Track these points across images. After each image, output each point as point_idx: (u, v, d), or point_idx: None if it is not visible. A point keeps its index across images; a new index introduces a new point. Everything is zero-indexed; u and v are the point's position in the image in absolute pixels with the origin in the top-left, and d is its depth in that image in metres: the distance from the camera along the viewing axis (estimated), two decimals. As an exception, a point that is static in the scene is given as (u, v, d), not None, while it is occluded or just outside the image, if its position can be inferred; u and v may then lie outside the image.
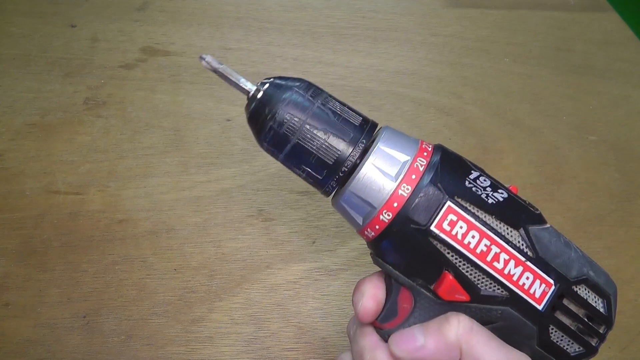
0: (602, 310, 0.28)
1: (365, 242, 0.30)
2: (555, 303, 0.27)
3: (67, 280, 0.46)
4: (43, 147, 0.56)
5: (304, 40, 0.72)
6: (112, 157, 0.56)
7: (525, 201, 0.29)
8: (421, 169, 0.27)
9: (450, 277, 0.27)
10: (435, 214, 0.27)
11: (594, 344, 0.28)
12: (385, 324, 0.30)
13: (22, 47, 0.67)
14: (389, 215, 0.27)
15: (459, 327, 0.26)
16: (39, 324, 0.44)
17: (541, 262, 0.27)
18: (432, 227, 0.27)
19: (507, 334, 0.27)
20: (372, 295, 0.30)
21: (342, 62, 0.70)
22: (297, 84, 0.30)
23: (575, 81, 0.71)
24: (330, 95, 0.30)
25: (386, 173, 0.27)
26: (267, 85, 0.30)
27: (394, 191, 0.27)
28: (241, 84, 0.30)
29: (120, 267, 0.48)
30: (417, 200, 0.27)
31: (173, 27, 0.72)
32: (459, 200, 0.27)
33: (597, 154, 0.62)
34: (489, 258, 0.27)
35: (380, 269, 0.30)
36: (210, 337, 0.44)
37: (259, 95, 0.29)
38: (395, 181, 0.27)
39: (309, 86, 0.30)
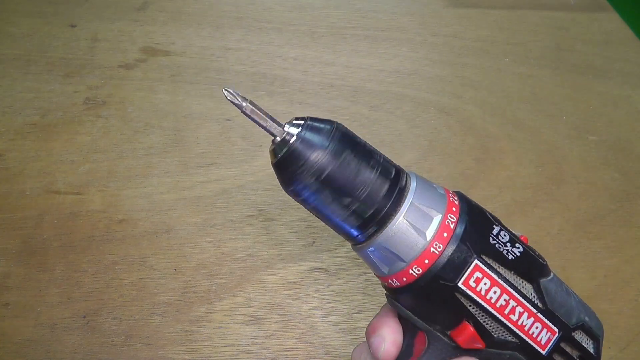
0: (592, 351, 0.30)
1: (383, 286, 0.31)
2: (557, 348, 0.29)
3: (67, 280, 0.46)
4: (43, 147, 0.56)
5: (304, 40, 0.72)
6: (112, 157, 0.56)
7: (534, 252, 0.30)
8: (452, 226, 0.28)
9: (471, 328, 0.28)
10: (464, 272, 0.27)
11: None
12: None
13: (22, 47, 0.67)
14: (418, 270, 0.28)
15: None
16: (39, 324, 0.44)
17: (549, 313, 0.29)
18: (460, 284, 0.27)
19: None
20: (394, 341, 0.31)
21: (342, 62, 0.70)
22: (330, 129, 0.28)
23: (575, 81, 0.71)
24: (364, 145, 0.29)
25: (419, 230, 0.27)
26: (298, 129, 0.27)
27: (426, 248, 0.27)
28: (269, 127, 0.28)
29: (120, 267, 0.48)
30: (447, 258, 0.27)
31: (173, 27, 0.72)
32: (485, 257, 0.28)
33: (597, 154, 0.62)
34: (506, 311, 0.28)
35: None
36: (210, 337, 0.44)
37: (292, 140, 0.27)
38: (428, 239, 0.27)
39: (343, 134, 0.28)
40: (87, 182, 0.54)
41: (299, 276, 0.48)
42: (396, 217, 0.28)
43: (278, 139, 0.28)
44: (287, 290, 0.48)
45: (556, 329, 0.29)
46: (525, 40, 0.76)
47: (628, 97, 0.70)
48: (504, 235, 0.29)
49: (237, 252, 0.50)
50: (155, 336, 0.44)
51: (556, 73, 0.72)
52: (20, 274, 0.47)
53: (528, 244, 0.31)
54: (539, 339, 0.29)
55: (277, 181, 0.29)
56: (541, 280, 0.29)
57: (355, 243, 0.30)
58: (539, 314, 0.29)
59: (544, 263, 0.30)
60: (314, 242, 0.51)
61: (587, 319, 0.30)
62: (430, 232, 0.28)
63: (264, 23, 0.74)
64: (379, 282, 0.31)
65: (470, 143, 0.62)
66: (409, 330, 0.31)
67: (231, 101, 0.28)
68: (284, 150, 0.27)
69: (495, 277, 0.28)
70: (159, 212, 0.52)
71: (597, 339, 0.31)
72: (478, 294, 0.28)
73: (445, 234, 0.28)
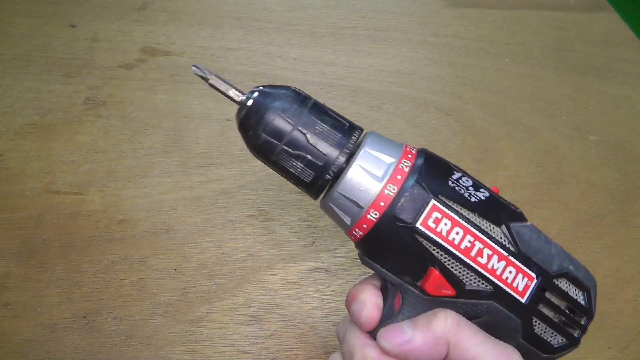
0: (582, 302, 0.29)
1: (354, 244, 0.31)
2: (538, 296, 0.28)
3: (67, 280, 0.46)
4: (43, 147, 0.56)
5: (304, 40, 0.72)
6: (112, 157, 0.56)
7: (506, 200, 0.30)
8: (406, 169, 0.29)
9: (437, 272, 0.28)
10: (421, 212, 0.28)
11: (576, 335, 0.30)
12: (384, 324, 0.30)
13: (22, 47, 0.67)
14: (376, 214, 0.28)
15: (446, 322, 0.27)
16: (39, 324, 0.44)
17: (523, 257, 0.28)
18: (418, 225, 0.28)
19: (492, 328, 0.28)
20: (374, 304, 0.31)
21: (342, 62, 0.70)
22: (286, 91, 0.30)
23: (575, 81, 0.71)
24: (318, 102, 0.31)
25: (373, 174, 0.29)
26: (256, 93, 0.30)
27: (381, 191, 0.28)
28: (231, 94, 0.31)
29: (120, 267, 0.48)
30: (402, 199, 0.28)
31: (173, 27, 0.72)
32: (443, 198, 0.28)
33: (597, 154, 0.62)
34: (472, 253, 0.28)
35: (369, 273, 0.31)
36: (210, 337, 0.44)
37: (249, 103, 0.30)
38: (382, 182, 0.28)
39: (297, 94, 0.30)
40: (87, 182, 0.54)
41: (299, 276, 0.49)
42: (351, 163, 0.29)
43: (241, 103, 0.31)
44: (287, 290, 0.48)
45: (533, 275, 0.28)
46: (525, 40, 0.76)
47: (628, 97, 0.70)
48: (466, 180, 0.30)
49: (237, 252, 0.50)
50: (155, 336, 0.44)
51: (556, 73, 0.72)
52: (20, 274, 0.47)
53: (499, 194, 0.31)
54: (514, 284, 0.28)
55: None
56: (512, 224, 0.29)
57: (316, 196, 0.31)
58: (511, 257, 0.28)
59: (517, 210, 0.30)
60: (314, 242, 0.51)
61: (571, 267, 0.29)
62: (384, 176, 0.28)
63: (264, 23, 0.74)
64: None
65: (470, 143, 0.62)
66: (388, 292, 0.31)
67: (198, 75, 0.31)
68: (243, 112, 0.30)
69: (456, 217, 0.28)
70: (159, 212, 0.52)
71: (586, 289, 0.30)
72: (439, 234, 0.28)
73: (399, 177, 0.28)
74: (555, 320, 0.29)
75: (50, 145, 0.57)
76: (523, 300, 0.28)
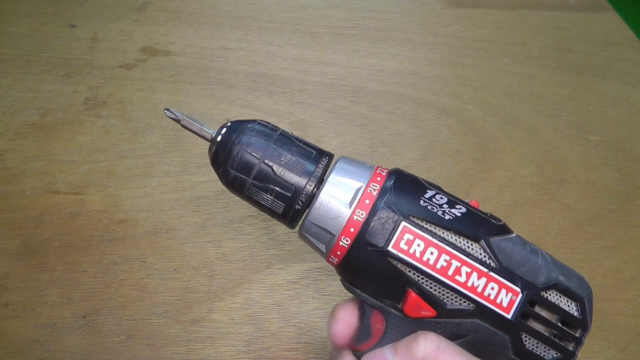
0: (575, 314, 0.28)
1: (334, 269, 0.31)
2: (525, 311, 0.27)
3: (67, 280, 0.46)
4: (43, 147, 0.56)
5: (304, 40, 0.72)
6: (112, 157, 0.56)
7: (486, 214, 0.30)
8: (374, 193, 0.29)
9: (414, 294, 0.28)
10: (392, 234, 0.28)
11: (571, 349, 0.28)
12: (360, 345, 0.31)
13: (22, 47, 0.67)
14: (347, 240, 0.28)
15: (426, 346, 0.27)
16: (39, 324, 0.44)
17: (505, 272, 0.27)
18: (390, 248, 0.28)
19: (480, 346, 0.28)
20: (344, 319, 0.31)
21: (342, 62, 0.70)
22: (251, 125, 0.31)
23: (575, 81, 0.71)
24: (285, 133, 0.31)
25: (341, 200, 0.29)
26: (224, 129, 0.31)
27: (350, 217, 0.28)
28: (201, 132, 0.32)
29: (120, 267, 0.48)
30: (372, 223, 0.28)
31: (173, 27, 0.72)
32: (415, 219, 0.28)
33: (597, 154, 0.62)
34: (450, 272, 0.27)
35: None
36: (210, 337, 0.44)
37: (218, 139, 0.31)
38: (350, 207, 0.28)
39: (263, 126, 0.31)
40: (87, 182, 0.54)
41: (299, 276, 0.49)
42: (319, 192, 0.29)
43: (211, 139, 0.32)
44: (287, 290, 0.48)
45: (518, 289, 0.27)
46: (525, 40, 0.76)
47: (628, 97, 0.70)
48: (440, 197, 0.29)
49: (237, 252, 0.50)
50: (155, 336, 0.44)
51: (556, 73, 0.72)
52: (20, 274, 0.47)
53: (479, 208, 0.30)
54: (498, 300, 0.27)
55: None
56: (492, 239, 0.28)
57: (291, 226, 0.31)
58: (492, 273, 0.27)
59: (499, 223, 0.29)
60: (314, 242, 0.51)
61: (562, 278, 0.28)
62: (352, 201, 0.29)
63: (264, 23, 0.74)
64: None
65: (470, 143, 0.62)
66: (366, 311, 0.31)
67: (171, 118, 0.32)
68: (213, 149, 0.31)
69: (430, 237, 0.27)
70: (159, 212, 0.52)
71: (579, 300, 0.29)
72: (412, 256, 0.27)
73: (367, 201, 0.28)
74: (546, 334, 0.28)
75: (50, 145, 0.57)
76: (509, 316, 0.27)
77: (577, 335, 0.28)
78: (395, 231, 0.27)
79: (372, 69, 0.69)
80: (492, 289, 0.27)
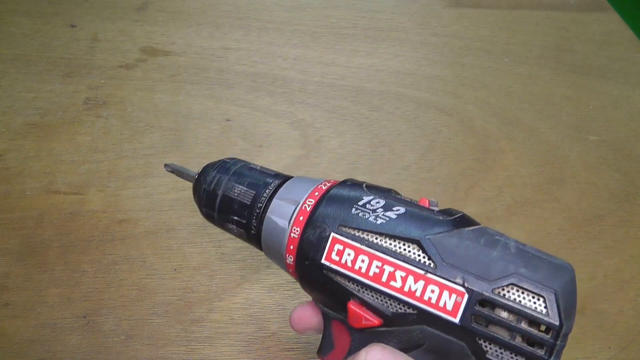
0: (543, 311, 0.23)
1: None
2: (477, 313, 0.24)
3: (67, 280, 0.46)
4: (43, 147, 0.56)
5: (304, 40, 0.72)
6: (112, 157, 0.56)
7: (433, 211, 0.28)
8: (308, 209, 0.29)
9: (352, 305, 0.28)
10: (323, 247, 0.28)
11: (541, 354, 0.23)
12: (325, 356, 0.31)
13: (22, 47, 0.67)
14: (290, 257, 0.30)
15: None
16: (39, 324, 0.44)
17: (447, 271, 0.25)
18: (323, 260, 0.28)
19: (440, 355, 0.25)
20: (305, 309, 0.33)
21: (342, 62, 0.70)
22: (214, 164, 0.36)
23: (575, 81, 0.71)
24: (245, 165, 0.35)
25: (281, 220, 0.30)
26: (198, 173, 0.36)
27: (288, 235, 0.30)
28: (189, 174, 0.38)
29: (120, 267, 0.48)
30: (305, 239, 0.29)
31: (173, 27, 0.72)
32: (344, 229, 0.28)
33: (597, 154, 0.62)
34: (384, 279, 0.26)
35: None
36: (210, 337, 0.44)
37: (193, 182, 0.36)
38: (288, 226, 0.30)
39: (223, 163, 0.35)
40: (87, 182, 0.54)
41: (299, 276, 0.49)
42: (266, 215, 0.31)
43: (194, 178, 0.36)
44: (287, 290, 0.48)
45: (462, 289, 0.24)
46: (525, 40, 0.76)
47: (628, 97, 0.70)
48: (377, 202, 0.28)
49: (237, 252, 0.50)
50: (155, 336, 0.44)
51: (556, 73, 0.72)
52: (20, 274, 0.47)
53: (429, 206, 0.28)
54: (441, 304, 0.24)
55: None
56: (431, 237, 0.25)
57: (259, 249, 0.33)
58: (429, 274, 0.25)
59: (451, 218, 0.26)
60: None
61: (522, 269, 0.24)
62: (289, 220, 0.30)
63: (264, 23, 0.74)
64: None
65: (470, 143, 0.62)
66: (325, 321, 0.31)
67: (170, 171, 0.40)
68: (194, 183, 0.36)
69: (358, 244, 0.27)
70: (159, 212, 0.52)
71: (546, 294, 0.23)
72: (344, 266, 0.27)
73: (301, 218, 0.29)
74: (507, 339, 0.23)
75: (50, 145, 0.57)
76: (456, 321, 0.24)
77: (547, 338, 0.23)
78: (326, 242, 0.28)
79: (372, 69, 0.69)
80: (432, 291, 0.25)
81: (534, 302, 0.23)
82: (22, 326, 0.44)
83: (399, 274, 0.26)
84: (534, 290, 0.23)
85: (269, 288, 0.48)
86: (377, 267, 0.26)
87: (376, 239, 0.27)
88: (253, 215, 0.32)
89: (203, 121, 0.61)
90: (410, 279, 0.25)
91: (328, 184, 0.31)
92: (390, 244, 0.26)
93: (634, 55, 0.76)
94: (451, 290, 0.24)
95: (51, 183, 0.53)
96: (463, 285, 0.24)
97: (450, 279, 0.24)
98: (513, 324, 0.23)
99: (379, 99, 0.65)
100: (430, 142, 0.61)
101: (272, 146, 0.59)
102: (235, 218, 0.33)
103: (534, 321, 0.23)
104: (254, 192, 0.32)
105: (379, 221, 0.27)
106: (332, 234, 0.28)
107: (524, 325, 0.23)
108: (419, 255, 0.26)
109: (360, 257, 0.27)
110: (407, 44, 0.74)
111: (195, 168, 0.56)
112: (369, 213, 0.28)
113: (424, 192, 0.56)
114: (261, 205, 0.32)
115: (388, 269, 0.26)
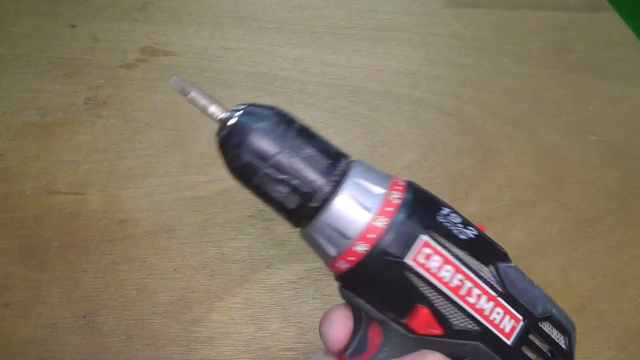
0: (564, 346, 0.29)
1: (334, 276, 0.30)
2: (523, 338, 0.28)
3: (67, 280, 0.46)
4: (43, 147, 0.56)
5: (304, 40, 0.72)
6: (112, 157, 0.56)
7: (492, 239, 0.29)
8: (396, 201, 0.27)
9: (426, 310, 0.27)
10: (411, 246, 0.26)
11: None
12: (354, 358, 0.29)
13: (22, 47, 0.67)
14: (364, 246, 0.27)
15: None
16: (39, 324, 0.44)
17: (510, 298, 0.27)
18: (408, 260, 0.26)
19: None
20: (343, 323, 0.30)
21: (342, 62, 0.70)
22: (271, 111, 0.28)
23: (575, 81, 0.71)
24: (305, 125, 0.29)
25: (362, 204, 0.27)
26: (240, 112, 0.28)
27: (370, 222, 0.27)
28: (211, 111, 0.29)
29: (120, 267, 0.48)
30: (393, 232, 0.27)
31: (173, 27, 0.72)
32: (434, 234, 0.27)
33: (597, 154, 0.62)
34: (462, 292, 0.27)
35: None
36: (210, 337, 0.44)
37: (232, 121, 0.28)
38: (372, 213, 0.27)
39: (283, 115, 0.29)
40: (87, 182, 0.54)
41: (299, 276, 0.48)
42: (338, 192, 0.27)
43: (221, 121, 0.28)
44: (287, 290, 0.48)
45: (520, 317, 0.27)
46: (525, 40, 0.76)
47: (628, 97, 0.70)
48: (455, 217, 0.28)
49: (237, 252, 0.50)
50: (155, 336, 0.44)
51: (556, 73, 0.72)
52: (20, 274, 0.47)
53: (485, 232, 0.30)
54: (501, 326, 0.27)
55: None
56: (500, 264, 0.28)
57: (301, 225, 0.29)
58: (499, 298, 0.27)
59: (503, 250, 0.29)
60: (314, 242, 0.51)
61: (554, 311, 0.29)
62: (374, 206, 0.27)
63: (264, 23, 0.74)
64: None
65: (470, 143, 0.62)
66: (362, 322, 0.30)
67: (177, 88, 0.29)
68: (225, 131, 0.28)
69: (447, 254, 0.27)
70: (159, 212, 0.52)
71: (567, 334, 0.29)
72: (429, 271, 0.26)
73: (389, 209, 0.27)
74: None
75: (50, 145, 0.57)
76: (509, 342, 0.27)
77: None
78: (415, 244, 0.26)
79: (372, 69, 0.69)
80: (498, 313, 0.27)
81: (558, 338, 0.29)
82: (22, 326, 0.44)
83: (475, 291, 0.27)
84: (560, 329, 0.29)
85: (269, 288, 0.48)
86: (459, 280, 0.27)
87: (461, 253, 0.27)
88: (321, 187, 0.27)
89: (203, 121, 0.60)
90: (484, 298, 0.27)
91: (400, 180, 0.29)
92: (470, 260, 0.27)
93: (634, 55, 0.76)
94: (512, 316, 0.27)
95: (51, 183, 0.53)
96: (520, 314, 0.28)
97: (513, 307, 0.27)
98: (544, 350, 0.28)
99: (379, 99, 0.65)
100: (430, 142, 0.61)
101: (272, 146, 0.59)
102: (295, 182, 0.27)
103: (554, 352, 0.29)
104: (327, 162, 0.28)
105: (462, 237, 0.27)
106: (423, 237, 0.26)
107: (549, 354, 0.29)
108: (492, 278, 0.28)
109: (446, 266, 0.27)
110: (407, 44, 0.74)
111: (195, 169, 0.56)
112: (453, 226, 0.28)
113: (424, 192, 0.56)
114: (337, 179, 0.27)
115: (468, 284, 0.27)
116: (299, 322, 0.46)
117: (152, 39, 0.70)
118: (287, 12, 0.77)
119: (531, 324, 0.28)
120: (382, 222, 0.27)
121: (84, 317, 0.44)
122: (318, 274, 0.49)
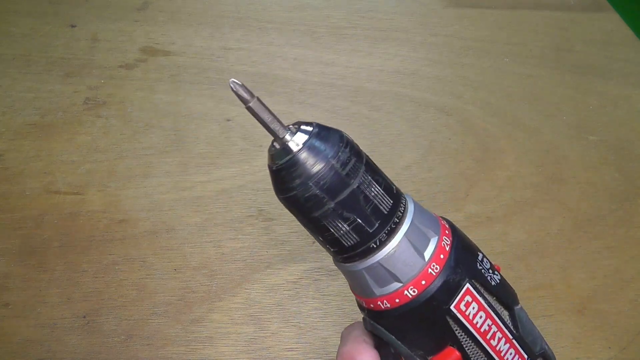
0: None
1: (366, 312, 0.29)
2: None
3: (67, 280, 0.46)
4: (43, 147, 0.56)
5: (304, 40, 0.72)
6: (112, 157, 0.56)
7: (507, 281, 0.31)
8: (447, 248, 0.28)
9: (457, 353, 0.28)
10: (456, 294, 0.27)
11: None
12: None
13: (22, 47, 0.67)
14: (414, 291, 0.27)
15: None
16: (39, 324, 0.44)
17: (520, 340, 0.29)
18: (452, 307, 0.27)
19: None
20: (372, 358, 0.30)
21: (342, 62, 0.70)
22: (339, 138, 0.26)
23: (575, 81, 0.71)
24: (369, 159, 0.27)
25: (417, 249, 0.27)
26: (306, 136, 0.26)
27: (424, 269, 0.27)
28: (272, 126, 0.26)
29: (120, 267, 0.48)
30: (443, 280, 0.27)
31: (173, 27, 0.72)
32: (474, 282, 0.28)
33: (597, 154, 0.62)
34: (488, 336, 0.28)
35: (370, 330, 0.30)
36: (210, 337, 0.44)
37: (297, 147, 0.25)
38: (426, 259, 0.27)
39: (352, 146, 0.26)
40: (87, 182, 0.54)
41: (299, 276, 0.48)
42: (398, 234, 0.26)
43: (281, 143, 0.26)
44: (287, 290, 0.48)
45: (525, 356, 0.29)
46: (525, 40, 0.76)
47: (628, 97, 0.70)
48: (486, 262, 0.30)
49: (237, 252, 0.50)
50: (155, 336, 0.44)
51: (556, 73, 0.72)
52: (20, 274, 0.47)
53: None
54: None
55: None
56: (515, 308, 0.30)
57: (346, 260, 0.28)
58: (514, 340, 0.29)
59: (514, 292, 0.31)
60: (314, 242, 0.51)
61: (546, 347, 0.31)
62: (428, 253, 0.27)
63: (264, 23, 0.74)
64: None
65: (470, 143, 0.62)
66: (387, 358, 0.30)
67: (236, 94, 0.26)
68: (287, 158, 0.25)
69: (483, 302, 0.28)
70: (159, 212, 0.52)
71: None
72: (467, 317, 0.27)
73: (442, 256, 0.27)
74: None
75: (50, 145, 0.57)
76: None
77: None
78: (460, 291, 0.27)
79: (372, 69, 0.69)
80: (510, 354, 0.29)
81: None
82: (22, 326, 0.44)
83: (498, 335, 0.28)
84: None
85: (269, 288, 0.48)
86: (488, 325, 0.28)
87: (491, 298, 0.28)
88: (383, 228, 0.26)
89: (203, 121, 0.61)
90: (503, 340, 0.29)
91: (444, 221, 0.30)
92: (497, 306, 0.29)
93: (634, 55, 0.76)
94: (520, 356, 0.29)
95: (51, 183, 0.53)
96: (526, 355, 0.29)
97: (522, 348, 0.29)
98: None
99: (379, 99, 0.65)
100: (430, 142, 0.61)
101: (272, 146, 0.59)
102: (359, 221, 0.25)
103: None
104: (392, 202, 0.26)
105: (492, 282, 0.29)
106: (468, 286, 0.27)
107: None
108: (509, 322, 0.29)
109: (480, 313, 0.28)
110: (407, 44, 0.74)
111: (195, 169, 0.56)
112: (486, 272, 0.29)
113: (423, 192, 0.56)
114: (397, 220, 0.27)
115: (494, 329, 0.28)
116: (299, 322, 0.46)
117: (152, 38, 0.70)
118: (287, 12, 0.77)
119: None
120: (434, 269, 0.27)
121: (84, 317, 0.44)
122: (318, 274, 0.49)
